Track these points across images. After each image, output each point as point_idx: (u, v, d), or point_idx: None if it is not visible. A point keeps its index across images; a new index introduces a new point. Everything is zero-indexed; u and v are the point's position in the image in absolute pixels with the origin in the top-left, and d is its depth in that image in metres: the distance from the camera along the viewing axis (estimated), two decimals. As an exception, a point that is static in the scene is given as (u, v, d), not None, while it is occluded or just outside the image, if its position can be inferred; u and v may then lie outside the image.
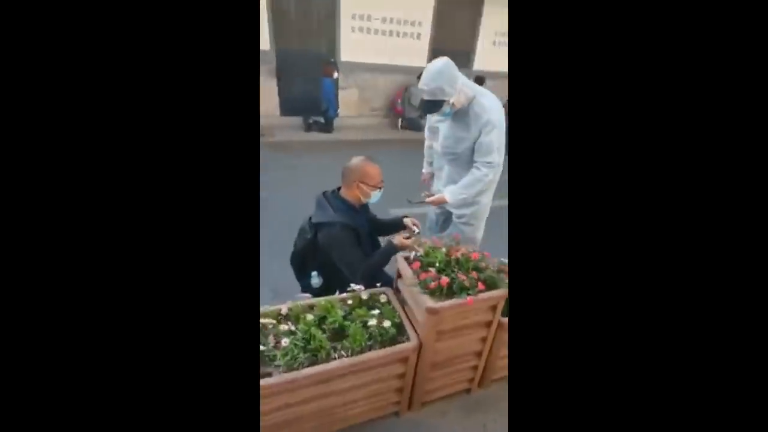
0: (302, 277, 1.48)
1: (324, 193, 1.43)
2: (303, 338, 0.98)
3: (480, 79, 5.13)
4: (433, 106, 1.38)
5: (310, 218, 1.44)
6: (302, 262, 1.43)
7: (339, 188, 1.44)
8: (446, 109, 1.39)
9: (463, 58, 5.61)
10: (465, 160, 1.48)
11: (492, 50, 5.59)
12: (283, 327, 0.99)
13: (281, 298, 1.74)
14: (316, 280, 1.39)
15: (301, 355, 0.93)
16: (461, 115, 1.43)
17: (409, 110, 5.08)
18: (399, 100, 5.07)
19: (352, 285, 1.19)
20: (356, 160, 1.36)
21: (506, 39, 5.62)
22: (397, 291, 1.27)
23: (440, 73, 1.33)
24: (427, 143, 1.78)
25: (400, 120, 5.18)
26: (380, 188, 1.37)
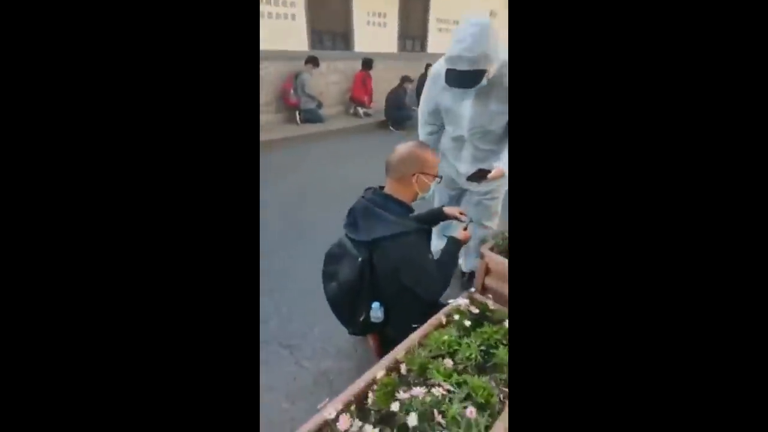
0: (353, 316, 1.13)
1: (366, 198, 1.09)
2: (466, 395, 0.72)
3: (368, 62, 5.06)
4: (472, 78, 1.08)
5: (349, 238, 1.09)
6: (355, 296, 1.08)
7: (380, 188, 1.12)
8: (484, 81, 1.11)
9: (345, 40, 5.41)
10: (498, 134, 1.31)
11: (368, 31, 5.55)
12: (438, 391, 0.71)
13: (300, 351, 1.33)
14: (379, 312, 1.08)
15: (481, 417, 0.68)
16: (491, 86, 1.16)
17: (305, 101, 4.63)
18: (291, 90, 4.56)
19: (452, 301, 0.95)
20: (408, 147, 1.07)
21: (380, 19, 5.66)
22: (484, 290, 1.09)
23: (484, 36, 1.03)
24: (429, 129, 1.49)
25: (297, 113, 4.68)
26: (439, 177, 1.12)
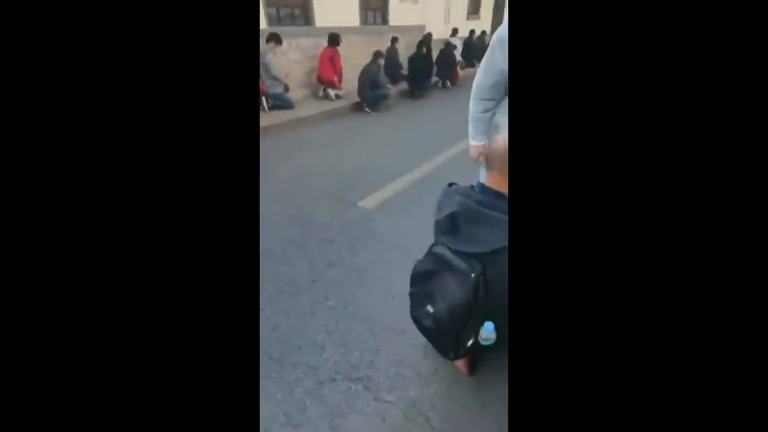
0: (458, 341, 0.95)
1: (472, 199, 0.88)
2: None
3: (335, 38, 4.64)
4: None
5: (450, 249, 0.89)
6: (466, 318, 0.90)
7: (480, 186, 0.92)
8: None
9: (305, 15, 4.89)
10: None
11: (330, 4, 5.07)
12: None
13: (374, 383, 1.13)
14: (492, 334, 0.91)
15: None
16: None
17: (270, 84, 4.15)
18: (254, 75, 4.05)
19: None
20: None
21: (339, -11, 5.18)
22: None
23: None
24: (486, 106, 1.31)
25: (264, 99, 4.19)
26: None
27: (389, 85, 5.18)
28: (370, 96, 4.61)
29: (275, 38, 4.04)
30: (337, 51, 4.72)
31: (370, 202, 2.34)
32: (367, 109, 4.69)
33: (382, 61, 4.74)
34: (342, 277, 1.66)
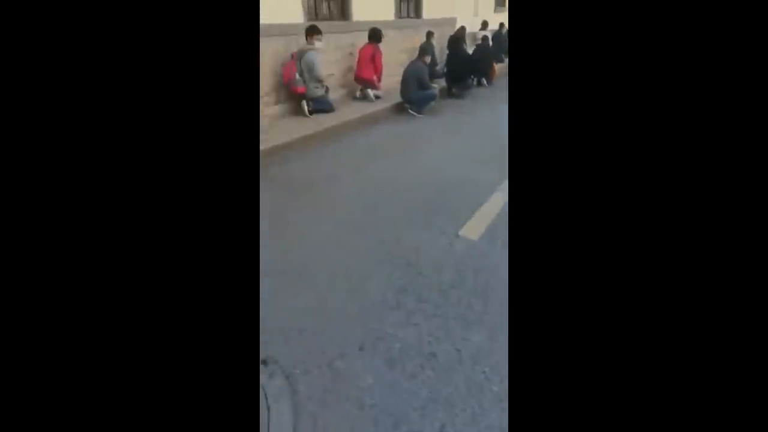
0: None
1: None
2: None
3: (376, 34, 4.25)
4: None
5: None
6: None
7: None
8: None
9: (340, 8, 4.50)
10: None
11: (365, -5, 4.67)
12: None
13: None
14: None
15: None
16: None
17: (314, 87, 3.78)
18: (295, 74, 3.66)
19: None
20: None
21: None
22: None
23: None
24: None
25: (305, 103, 3.82)
26: None
27: (435, 85, 4.80)
28: (416, 97, 4.24)
29: (315, 31, 3.65)
30: (378, 48, 4.34)
31: (471, 231, 1.99)
32: (411, 111, 4.32)
33: (428, 59, 4.35)
34: (488, 341, 1.32)
